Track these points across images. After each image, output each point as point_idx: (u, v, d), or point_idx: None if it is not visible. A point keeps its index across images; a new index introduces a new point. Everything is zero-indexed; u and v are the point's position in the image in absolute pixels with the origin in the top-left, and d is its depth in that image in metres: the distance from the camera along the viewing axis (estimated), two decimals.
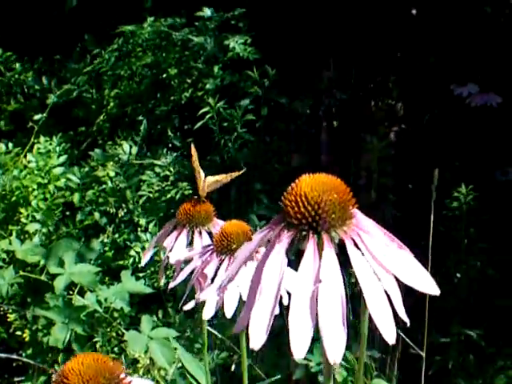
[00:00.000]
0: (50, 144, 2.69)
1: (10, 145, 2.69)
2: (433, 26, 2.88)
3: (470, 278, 2.46)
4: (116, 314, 2.21)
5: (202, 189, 1.10)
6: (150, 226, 2.52)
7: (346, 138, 2.92)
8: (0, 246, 2.36)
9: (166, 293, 2.42)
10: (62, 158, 2.66)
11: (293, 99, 2.82)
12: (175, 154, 2.70)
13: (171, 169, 2.63)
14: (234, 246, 0.95)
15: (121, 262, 2.48)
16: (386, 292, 0.57)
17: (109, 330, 2.21)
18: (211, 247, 0.99)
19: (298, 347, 0.54)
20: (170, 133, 2.85)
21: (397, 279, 0.58)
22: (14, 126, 3.15)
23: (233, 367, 2.20)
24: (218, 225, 1.07)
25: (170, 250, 1.05)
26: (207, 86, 2.77)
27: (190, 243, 1.06)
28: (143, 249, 2.45)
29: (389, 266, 0.58)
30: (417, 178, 2.83)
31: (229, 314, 0.90)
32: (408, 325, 0.57)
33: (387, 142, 2.90)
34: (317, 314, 0.54)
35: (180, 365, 2.02)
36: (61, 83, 3.09)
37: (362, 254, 0.58)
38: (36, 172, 2.59)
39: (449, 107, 2.88)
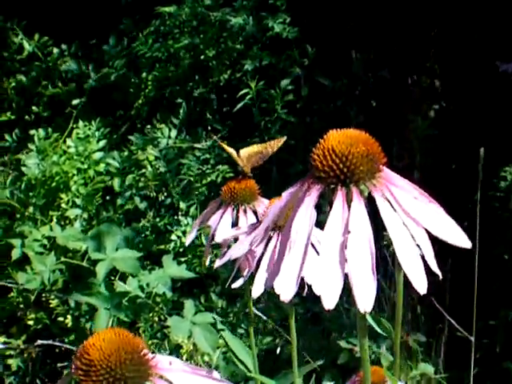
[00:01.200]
0: (89, 129, 2.68)
1: (49, 130, 2.68)
2: (476, 2, 2.80)
3: None
4: (158, 299, 2.19)
5: (243, 164, 1.06)
6: (191, 209, 2.50)
7: (386, 117, 2.86)
8: (41, 232, 2.36)
9: (208, 277, 2.40)
10: (102, 143, 2.65)
11: (332, 79, 2.77)
12: (215, 137, 2.67)
13: (211, 152, 2.61)
14: (282, 223, 0.88)
15: (162, 247, 2.46)
16: (417, 245, 0.56)
17: (151, 315, 2.20)
18: (258, 225, 0.93)
19: (329, 297, 0.54)
20: (208, 115, 2.82)
21: (428, 233, 0.57)
22: (52, 111, 3.14)
23: (278, 350, 2.17)
24: (262, 203, 1.03)
25: (215, 229, 1.01)
26: (246, 67, 2.73)
27: (236, 222, 1.03)
28: (184, 233, 2.43)
29: (419, 219, 0.57)
30: (460, 158, 2.77)
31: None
32: (440, 277, 0.57)
33: (430, 120, 2.84)
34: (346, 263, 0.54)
35: (224, 350, 2.00)
36: (98, 67, 3.07)
37: (392, 207, 0.57)
38: (75, 157, 2.58)
39: (493, 84, 2.81)
